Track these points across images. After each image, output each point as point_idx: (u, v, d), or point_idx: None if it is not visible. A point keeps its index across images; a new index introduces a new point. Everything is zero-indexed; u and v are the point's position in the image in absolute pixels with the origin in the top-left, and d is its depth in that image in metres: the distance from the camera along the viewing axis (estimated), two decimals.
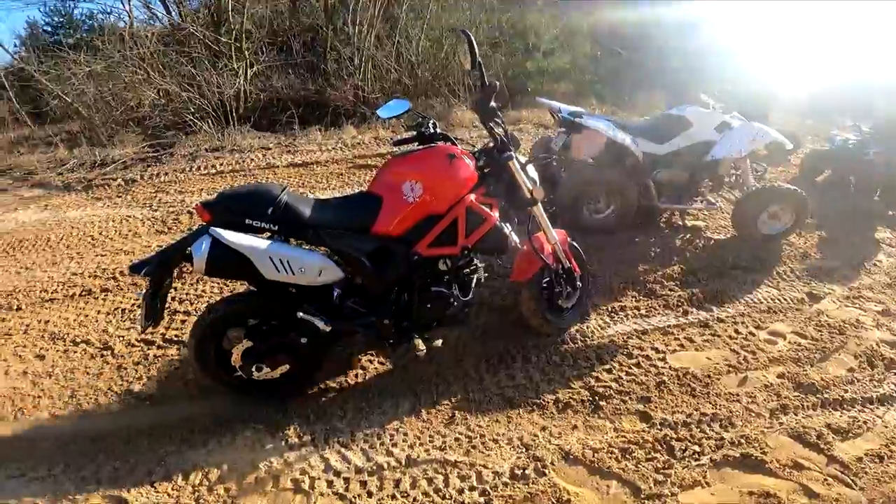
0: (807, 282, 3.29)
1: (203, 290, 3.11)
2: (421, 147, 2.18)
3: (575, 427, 2.14)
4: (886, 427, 2.15)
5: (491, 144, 2.24)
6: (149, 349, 2.60)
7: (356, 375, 2.41)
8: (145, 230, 3.99)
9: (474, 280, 2.29)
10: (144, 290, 1.86)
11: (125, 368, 2.48)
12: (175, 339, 2.68)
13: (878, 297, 3.16)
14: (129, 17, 6.90)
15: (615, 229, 3.73)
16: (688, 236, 3.85)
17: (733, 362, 2.52)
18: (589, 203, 3.71)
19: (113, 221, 4.14)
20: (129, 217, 4.22)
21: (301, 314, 1.97)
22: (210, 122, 6.13)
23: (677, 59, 10.43)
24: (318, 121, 6.45)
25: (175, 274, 2.16)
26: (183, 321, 2.82)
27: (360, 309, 2.14)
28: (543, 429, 2.13)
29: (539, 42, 7.92)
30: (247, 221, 1.87)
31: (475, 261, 2.28)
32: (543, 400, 2.27)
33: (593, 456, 1.98)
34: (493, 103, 2.12)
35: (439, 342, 2.27)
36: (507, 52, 7.89)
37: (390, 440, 2.06)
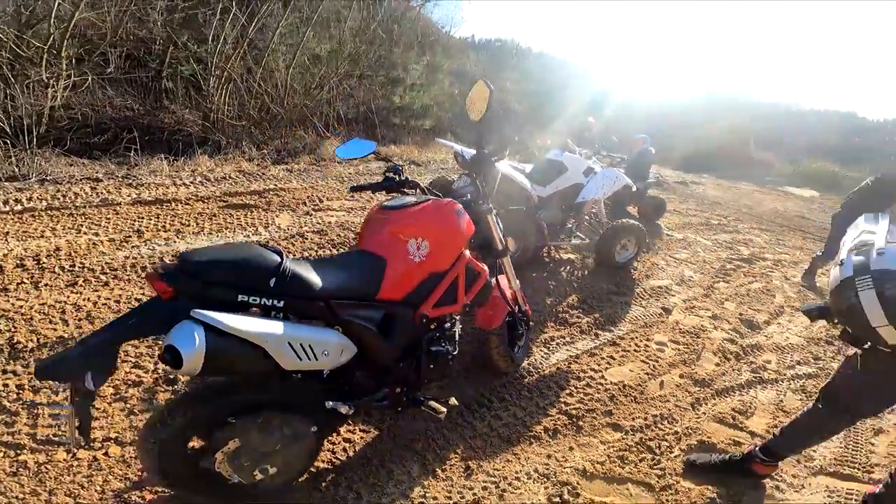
0: (657, 298, 4.29)
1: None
2: (422, 199, 2.08)
3: (571, 448, 2.46)
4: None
5: (469, 196, 2.34)
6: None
7: (344, 450, 2.25)
8: None
9: (456, 333, 2.31)
10: (70, 399, 1.33)
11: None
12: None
13: (704, 305, 4.31)
14: None
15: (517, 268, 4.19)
16: (568, 268, 4.62)
17: (648, 370, 3.18)
18: None
19: None
20: None
21: (330, 403, 1.76)
22: None
23: (524, 100, 12.02)
24: (152, 147, 5.51)
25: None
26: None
27: (370, 382, 1.99)
28: (549, 456, 2.38)
29: (406, 76, 8.21)
30: (239, 298, 1.46)
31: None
32: (535, 431, 2.53)
33: (602, 468, 2.32)
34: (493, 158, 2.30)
35: (453, 400, 2.26)
36: (374, 84, 7.95)
37: None
